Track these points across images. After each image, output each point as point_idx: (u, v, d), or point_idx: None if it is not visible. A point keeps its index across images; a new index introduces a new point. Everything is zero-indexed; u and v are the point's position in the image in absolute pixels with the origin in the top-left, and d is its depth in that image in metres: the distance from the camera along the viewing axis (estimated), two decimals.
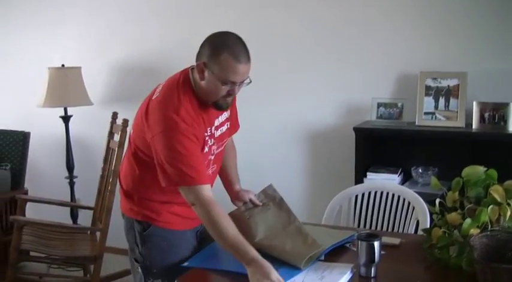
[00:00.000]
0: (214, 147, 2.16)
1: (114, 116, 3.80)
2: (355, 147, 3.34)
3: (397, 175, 3.33)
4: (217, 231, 1.91)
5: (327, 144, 3.71)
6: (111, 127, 3.77)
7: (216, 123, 2.15)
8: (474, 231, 1.90)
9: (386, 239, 2.13)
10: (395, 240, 2.26)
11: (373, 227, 2.81)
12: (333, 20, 3.59)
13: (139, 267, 2.20)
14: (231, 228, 1.91)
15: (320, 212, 2.53)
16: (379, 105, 3.42)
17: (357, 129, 3.33)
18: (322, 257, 2.07)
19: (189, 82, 2.04)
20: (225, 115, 2.22)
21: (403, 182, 3.34)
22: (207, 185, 1.96)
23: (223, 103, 2.03)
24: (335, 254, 2.13)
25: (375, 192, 2.84)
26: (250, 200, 2.32)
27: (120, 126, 3.41)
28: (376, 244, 1.90)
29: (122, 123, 3.40)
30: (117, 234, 3.71)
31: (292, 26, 3.68)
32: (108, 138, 3.76)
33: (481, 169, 2.09)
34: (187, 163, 1.92)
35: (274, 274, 1.79)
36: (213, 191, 2.01)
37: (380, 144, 3.48)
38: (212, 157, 2.17)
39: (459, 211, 2.07)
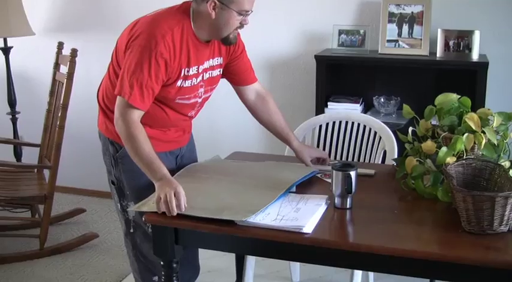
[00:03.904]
0: (201, 90, 2.20)
1: (60, 46, 3.63)
2: (315, 76, 3.30)
3: (358, 105, 3.32)
4: (134, 147, 2.00)
5: (286, 74, 3.66)
6: (57, 58, 3.60)
7: (206, 65, 2.18)
8: (450, 159, 1.90)
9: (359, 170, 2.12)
10: (370, 171, 2.26)
11: (339, 158, 2.81)
12: None
13: (114, 189, 2.27)
14: (147, 146, 2.00)
15: (281, 143, 2.51)
16: (340, 32, 3.37)
17: (317, 58, 3.28)
18: (294, 189, 2.07)
19: (188, 17, 2.09)
20: (218, 60, 2.24)
21: (364, 112, 3.34)
22: (140, 111, 2.04)
23: (233, 37, 2.11)
24: (306, 185, 2.13)
25: (339, 122, 2.82)
26: (319, 160, 2.38)
27: (68, 57, 3.25)
28: (353, 174, 1.89)
29: (70, 54, 3.24)
30: (64, 172, 3.66)
31: None
32: (54, 70, 3.60)
33: (454, 97, 2.09)
34: (140, 83, 2.00)
35: (180, 187, 1.90)
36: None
37: (341, 73, 3.44)
38: (200, 100, 2.23)
39: (431, 140, 2.07)
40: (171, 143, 2.28)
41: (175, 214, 1.87)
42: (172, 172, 2.19)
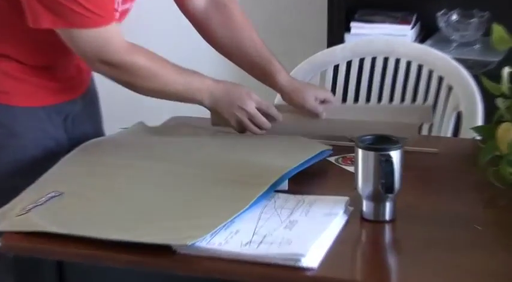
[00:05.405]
0: None
1: None
2: None
3: (409, 27, 3.38)
4: (157, 84, 2.25)
5: None
6: None
7: None
8: None
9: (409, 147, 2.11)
10: (430, 149, 2.30)
11: None
12: None
13: None
14: (169, 69, 2.26)
15: (270, 93, 2.56)
16: None
17: None
18: (285, 185, 2.06)
19: None
20: None
21: (421, 41, 3.40)
22: (113, 26, 2.18)
23: None
24: (309, 177, 2.14)
25: (372, 60, 2.86)
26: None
27: None
28: (396, 156, 1.85)
29: None
30: None
31: None
32: None
33: None
34: None
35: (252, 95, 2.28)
36: None
37: None
38: (117, 15, 2.29)
39: None
40: (56, 91, 2.35)
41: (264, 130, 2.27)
42: (59, 151, 2.28)
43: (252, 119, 2.26)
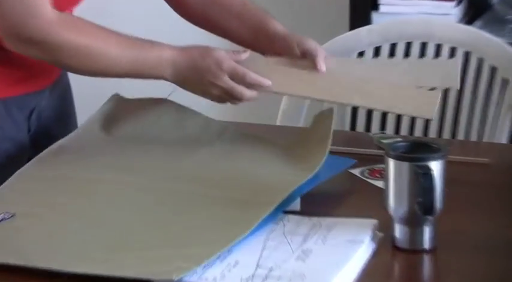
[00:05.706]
0: None
1: None
2: None
3: (453, 4, 3.41)
4: (98, 67, 2.27)
5: None
6: None
7: None
8: None
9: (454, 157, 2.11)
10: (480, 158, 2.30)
11: (405, 130, 2.87)
12: None
13: None
14: (115, 49, 2.27)
15: None
16: None
17: None
18: (297, 204, 2.07)
19: None
20: None
21: (467, 21, 3.42)
22: None
23: None
24: (326, 195, 2.17)
25: (407, 46, 2.89)
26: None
27: None
28: (437, 167, 1.84)
29: None
30: None
31: None
32: None
33: None
34: None
35: (226, 63, 2.28)
36: None
37: None
38: None
39: None
40: (16, 80, 2.39)
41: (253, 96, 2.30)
42: (20, 155, 2.35)
43: (230, 93, 2.29)
